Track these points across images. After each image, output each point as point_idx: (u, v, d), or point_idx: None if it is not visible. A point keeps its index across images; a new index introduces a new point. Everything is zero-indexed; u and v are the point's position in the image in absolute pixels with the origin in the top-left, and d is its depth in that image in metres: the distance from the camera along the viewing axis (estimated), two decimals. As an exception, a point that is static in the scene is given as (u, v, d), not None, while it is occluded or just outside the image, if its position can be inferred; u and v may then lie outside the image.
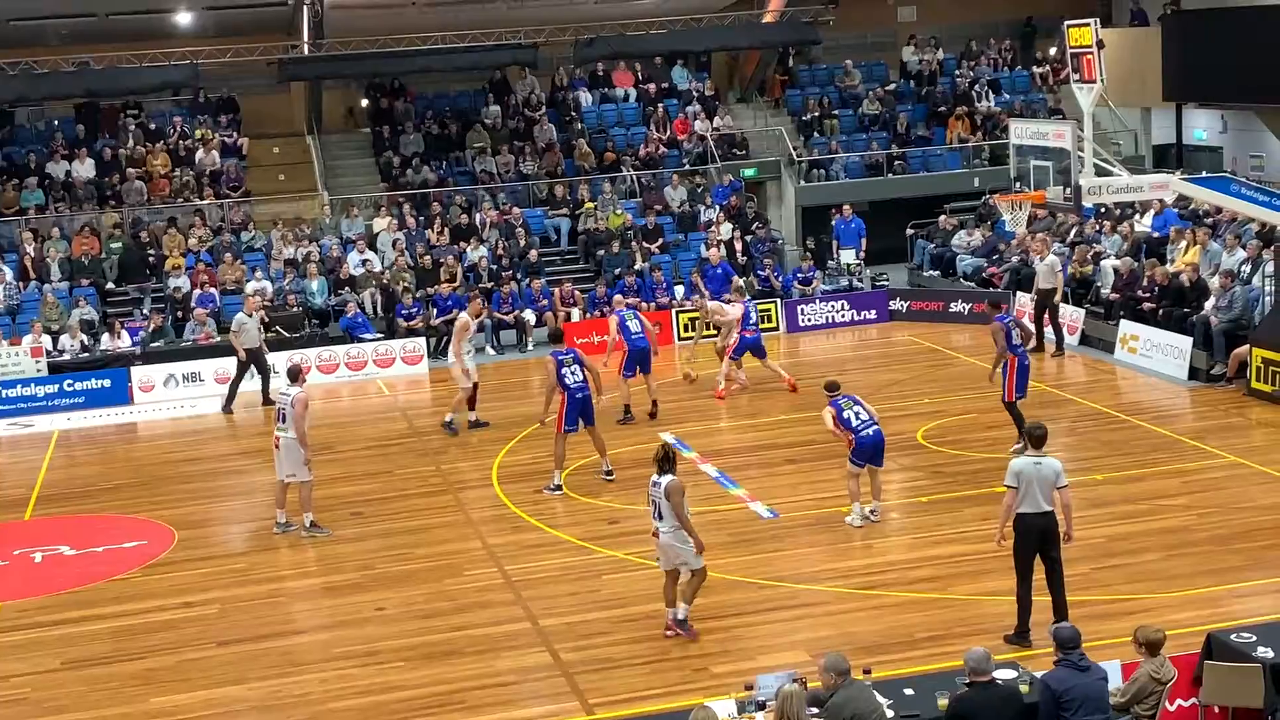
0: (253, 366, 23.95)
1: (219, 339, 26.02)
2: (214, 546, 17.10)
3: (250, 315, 23.99)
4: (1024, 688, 10.36)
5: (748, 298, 22.33)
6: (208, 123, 31.85)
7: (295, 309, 26.72)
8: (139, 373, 24.92)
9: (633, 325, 21.10)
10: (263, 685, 12.95)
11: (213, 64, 30.11)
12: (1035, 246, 24.96)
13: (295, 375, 17.20)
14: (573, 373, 17.98)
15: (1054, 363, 23.61)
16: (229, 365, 25.20)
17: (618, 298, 23.85)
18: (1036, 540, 12.49)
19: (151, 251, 28.47)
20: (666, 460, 13.02)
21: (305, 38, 30.78)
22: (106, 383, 24.76)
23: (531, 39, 31.36)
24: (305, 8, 29.89)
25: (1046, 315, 24.05)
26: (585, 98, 33.61)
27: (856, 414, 15.93)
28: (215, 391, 24.86)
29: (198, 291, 27.05)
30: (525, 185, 31.31)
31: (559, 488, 18.06)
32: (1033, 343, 23.67)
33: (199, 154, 30.98)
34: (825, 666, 9.69)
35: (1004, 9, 36.02)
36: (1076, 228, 26.95)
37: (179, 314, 26.80)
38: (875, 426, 15.97)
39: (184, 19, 31.03)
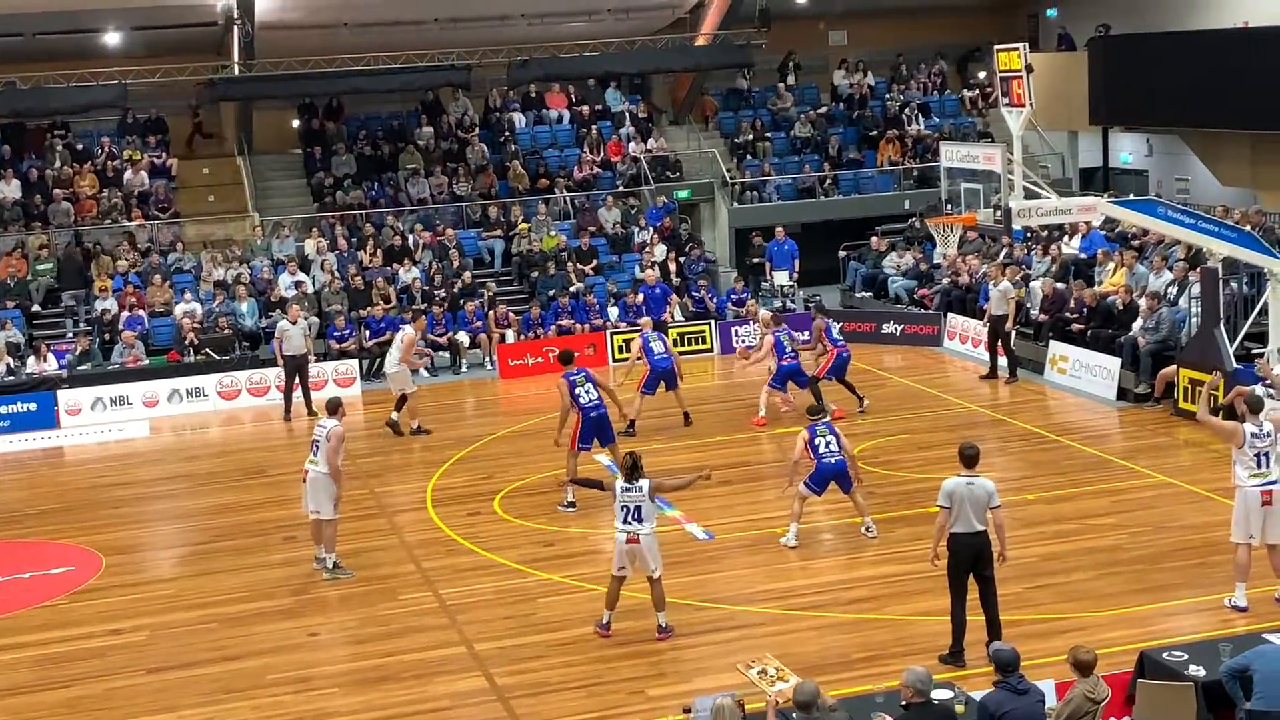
0: (297, 375, 24.05)
1: (147, 362, 25.73)
2: (143, 572, 16.91)
3: (294, 323, 24.06)
4: (959, 708, 10.41)
5: (779, 327, 22.26)
6: (136, 143, 31.52)
7: (226, 331, 26.44)
8: (66, 396, 24.56)
9: (656, 346, 21.73)
10: (193, 713, 12.78)
11: (141, 84, 29.81)
12: (990, 272, 24.95)
13: (334, 409, 16.29)
14: (586, 391, 18.18)
15: (986, 384, 23.79)
16: (157, 388, 24.98)
17: (644, 320, 23.87)
18: (969, 559, 12.58)
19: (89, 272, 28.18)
20: (637, 467, 13.62)
21: (236, 58, 30.54)
22: (32, 406, 24.37)
23: (465, 60, 31.30)
24: (236, 28, 29.66)
25: (999, 342, 23.95)
26: (519, 119, 33.59)
27: (827, 443, 16.08)
28: (143, 415, 24.59)
29: (126, 314, 26.72)
30: (459, 206, 31.22)
31: (572, 504, 18.00)
32: (985, 369, 23.97)
33: (127, 175, 30.65)
34: (794, 688, 9.68)
35: (934, 34, 36.35)
36: (1006, 250, 27.23)
37: (106, 336, 26.44)
38: (839, 457, 16.14)
39: (112, 39, 30.74)
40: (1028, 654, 11.01)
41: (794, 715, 9.65)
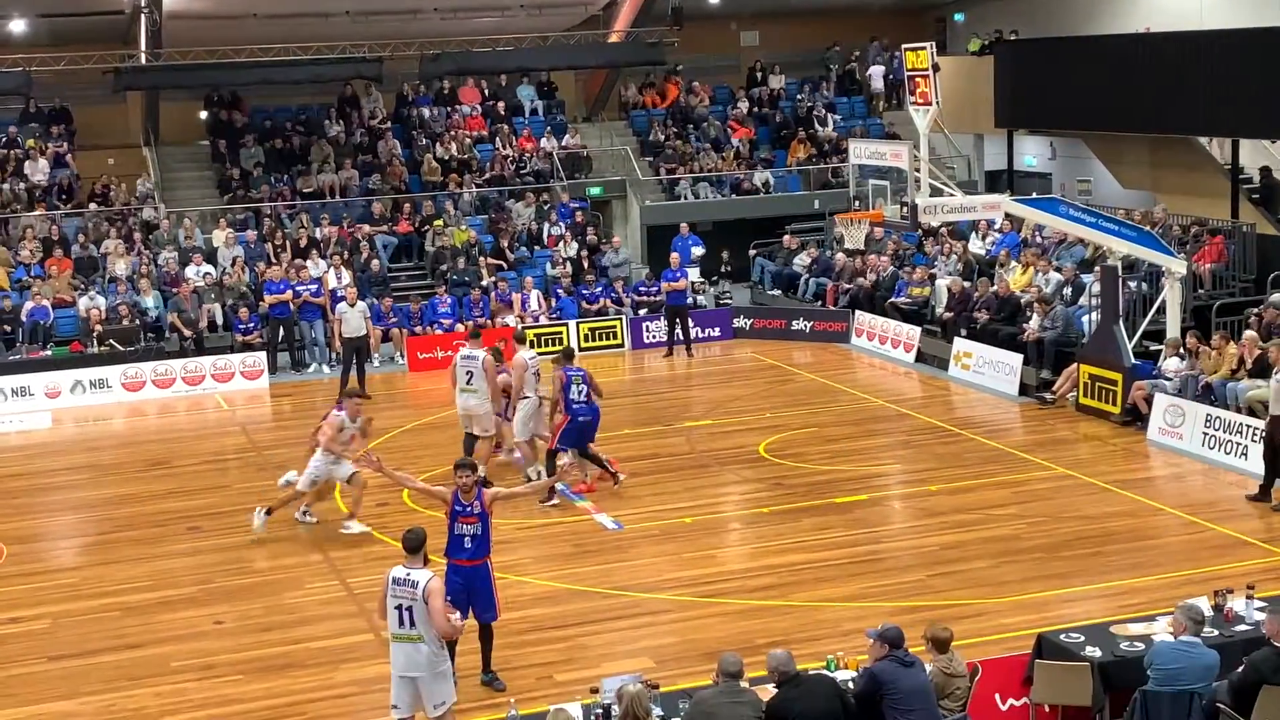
0: (355, 357, 24.02)
1: (49, 353, 25.35)
2: (44, 561, 16.66)
3: (352, 305, 24.14)
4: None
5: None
6: (39, 132, 31.01)
7: (130, 322, 26.08)
8: (-35, 387, 24.17)
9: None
10: (95, 700, 12.62)
11: (46, 72, 29.34)
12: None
13: None
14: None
15: (900, 380, 24.11)
16: (60, 379, 24.60)
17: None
18: None
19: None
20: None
21: (142, 47, 30.16)
22: (-70, 397, 23.97)
23: (376, 53, 31.14)
24: (143, 17, 29.27)
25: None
26: (430, 113, 33.48)
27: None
28: (44, 406, 24.21)
29: (30, 304, 26.28)
30: (368, 200, 31.03)
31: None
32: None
33: (30, 165, 30.15)
34: (721, 658, 9.85)
35: (844, 35, 36.77)
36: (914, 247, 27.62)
37: (7, 328, 25.99)
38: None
39: (17, 26, 30.18)
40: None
41: (719, 680, 9.77)
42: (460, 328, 26.90)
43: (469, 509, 12.29)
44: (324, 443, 16.45)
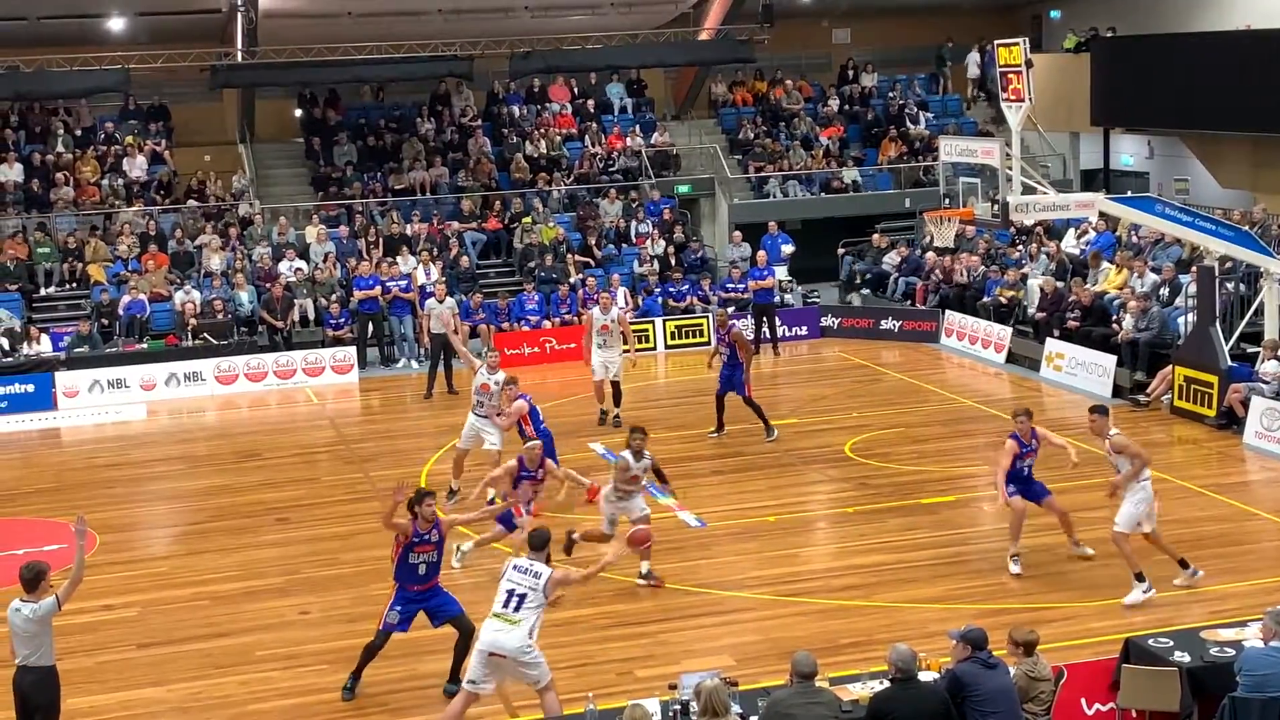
0: (443, 353, 24.12)
1: (145, 346, 25.80)
2: (136, 550, 16.95)
3: (441, 301, 24.27)
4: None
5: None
6: (138, 129, 31.56)
7: (224, 316, 26.46)
8: (63, 378, 24.61)
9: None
10: (182, 687, 12.82)
11: (144, 70, 29.83)
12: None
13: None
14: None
15: (983, 379, 23.85)
16: (155, 372, 25.03)
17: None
18: None
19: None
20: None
21: (239, 45, 30.59)
22: (30, 388, 24.43)
23: (467, 52, 31.32)
24: (239, 15, 29.68)
25: None
26: (520, 111, 33.62)
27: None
28: (140, 398, 24.64)
29: (126, 298, 26.76)
30: (458, 198, 31.22)
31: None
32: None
33: (128, 161, 30.70)
34: (795, 658, 9.78)
35: (937, 33, 36.40)
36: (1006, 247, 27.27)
37: (104, 322, 26.47)
38: None
39: (116, 25, 30.74)
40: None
41: (793, 681, 9.70)
42: (547, 324, 27.10)
43: (427, 538, 12.41)
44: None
